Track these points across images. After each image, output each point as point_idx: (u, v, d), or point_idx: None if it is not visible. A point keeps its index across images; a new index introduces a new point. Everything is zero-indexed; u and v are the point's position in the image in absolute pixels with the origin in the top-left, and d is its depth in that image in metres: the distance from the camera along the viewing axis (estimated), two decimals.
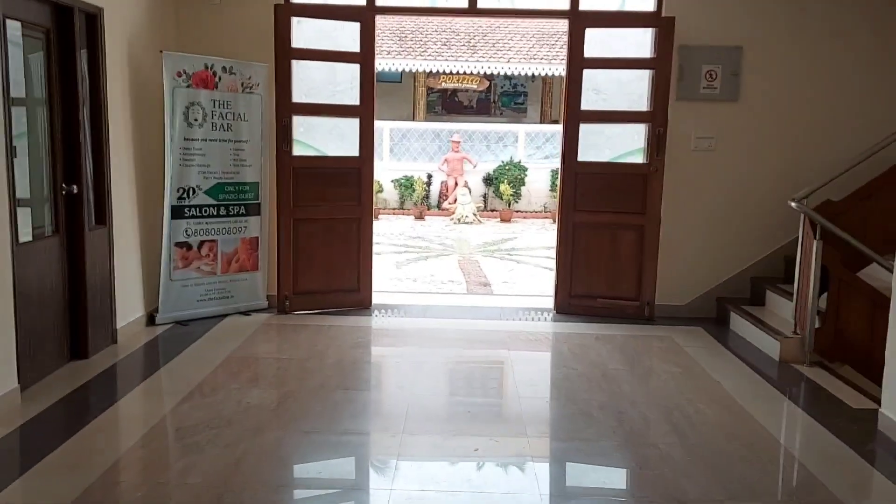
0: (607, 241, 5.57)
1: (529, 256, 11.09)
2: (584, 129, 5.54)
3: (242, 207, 5.42)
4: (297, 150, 5.57)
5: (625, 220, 5.52)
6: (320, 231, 5.57)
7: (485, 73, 15.22)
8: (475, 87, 15.92)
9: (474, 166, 15.07)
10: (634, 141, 5.68)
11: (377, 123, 15.03)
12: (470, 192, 14.54)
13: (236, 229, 5.39)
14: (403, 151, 15.36)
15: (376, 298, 5.91)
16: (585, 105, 5.51)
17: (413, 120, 16.14)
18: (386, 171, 15.08)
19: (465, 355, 4.68)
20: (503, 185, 14.67)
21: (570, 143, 5.55)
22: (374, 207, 13.22)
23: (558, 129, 16.55)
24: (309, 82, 5.66)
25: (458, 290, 8.35)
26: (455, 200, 14.48)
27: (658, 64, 5.37)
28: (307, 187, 5.50)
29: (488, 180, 15.22)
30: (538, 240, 12.68)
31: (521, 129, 15.45)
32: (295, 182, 5.46)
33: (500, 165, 15.11)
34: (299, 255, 5.52)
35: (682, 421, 3.60)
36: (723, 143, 5.48)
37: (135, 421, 3.56)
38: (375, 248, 11.16)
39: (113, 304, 4.53)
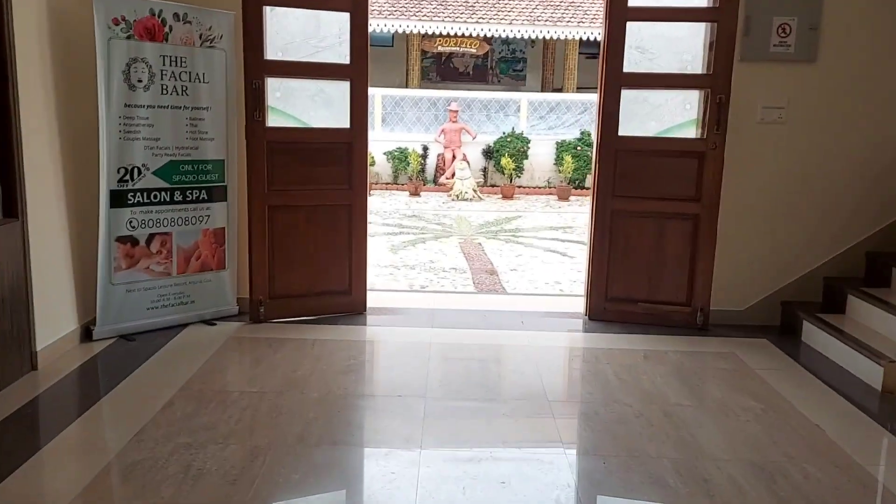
0: (652, 233, 4.58)
1: (537, 239, 10.09)
2: (625, 98, 4.51)
3: (204, 192, 4.37)
4: (273, 121, 4.52)
5: (675, 209, 4.52)
6: (302, 220, 4.54)
7: (485, 35, 14.06)
8: (474, 50, 14.77)
9: (473, 138, 13.99)
10: (685, 111, 4.66)
11: (369, 90, 13.75)
12: (469, 165, 13.50)
13: (196, 219, 4.35)
14: (397, 121, 14.25)
15: (371, 300, 4.91)
16: (628, 67, 4.47)
17: (407, 87, 14.99)
18: (378, 143, 13.98)
19: (488, 387, 3.68)
20: (505, 159, 13.62)
21: (608, 114, 4.51)
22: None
23: (563, 97, 15.50)
24: (286, 36, 4.58)
25: (463, 282, 7.35)
26: (453, 175, 13.44)
27: (720, 15, 4.32)
28: (285, 166, 4.46)
29: (488, 153, 14.17)
30: (544, 220, 11.68)
31: (523, 97, 14.36)
32: (270, 160, 4.41)
33: (502, 137, 14.04)
34: (276, 250, 4.50)
35: (791, 492, 2.64)
36: (795, 114, 4.46)
37: (37, 499, 2.56)
38: (368, 229, 10.05)
39: (31, 319, 3.50)
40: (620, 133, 4.53)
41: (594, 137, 4.70)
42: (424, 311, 4.93)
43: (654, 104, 4.68)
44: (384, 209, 12.08)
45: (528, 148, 13.97)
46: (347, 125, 4.58)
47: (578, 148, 13.92)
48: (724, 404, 3.43)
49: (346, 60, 4.52)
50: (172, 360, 3.83)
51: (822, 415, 3.33)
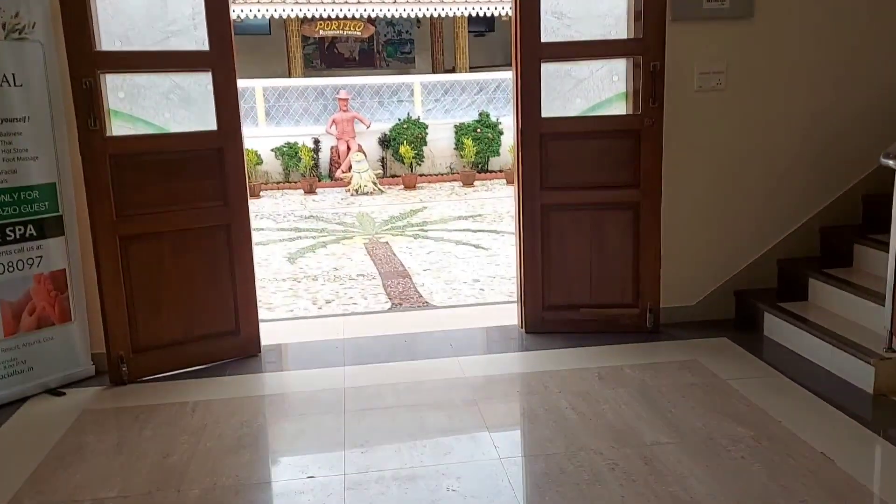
0: (589, 228, 3.95)
1: (447, 232, 9.41)
2: (545, 73, 3.84)
3: (31, 227, 3.38)
4: (118, 128, 3.57)
5: (612, 198, 3.91)
6: (168, 250, 3.63)
7: (368, 16, 13.17)
8: (359, 33, 13.85)
9: (367, 126, 13.12)
10: (613, 84, 4.05)
11: (247, 83, 12.57)
12: (365, 156, 12.64)
13: (24, 263, 3.36)
14: (282, 114, 13.17)
15: (267, 335, 4.06)
16: (547, 36, 3.80)
17: (290, 77, 13.91)
18: (263, 139, 12.88)
19: (424, 451, 2.92)
20: (403, 147, 12.84)
21: (527, 94, 3.83)
22: (253, 184, 10.97)
23: (457, 78, 14.82)
24: (125, 19, 3.63)
25: (373, 291, 6.56)
26: (349, 168, 12.54)
27: None
28: (138, 185, 3.53)
29: (385, 142, 13.34)
30: (451, 209, 11.01)
31: (416, 80, 13.59)
32: (117, 178, 3.47)
33: (398, 124, 13.24)
34: (137, 289, 3.57)
35: None
36: (735, 79, 3.93)
37: None
38: (259, 236, 9.04)
39: None
40: (544, 114, 3.86)
41: (512, 121, 4.02)
42: (334, 343, 4.12)
43: (577, 78, 4.04)
44: (277, 212, 11.07)
45: (427, 134, 13.24)
46: (214, 127, 3.69)
47: (478, 130, 13.32)
48: (709, 436, 2.83)
49: (205, 46, 3.62)
50: (2, 455, 2.87)
51: (821, 437, 2.79)
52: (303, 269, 7.71)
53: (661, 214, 3.90)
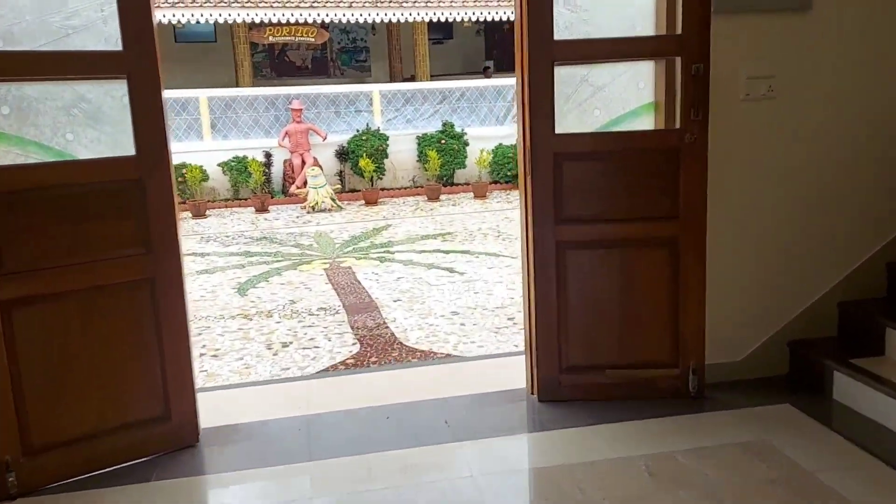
0: (616, 268, 3.16)
1: (415, 253, 8.57)
2: (558, 78, 3.05)
3: None
4: (0, 155, 2.66)
5: (645, 232, 3.13)
6: (71, 316, 2.71)
7: (322, 22, 12.28)
8: (312, 39, 12.94)
9: (324, 139, 12.20)
10: (639, 92, 3.28)
11: (190, 93, 11.51)
12: (322, 170, 11.72)
13: None
14: (230, 127, 12.17)
15: (210, 412, 3.16)
16: (559, 33, 3.01)
17: (237, 86, 12.90)
18: (209, 153, 11.86)
19: None
20: (363, 160, 11.96)
21: (536, 105, 3.03)
22: (199, 203, 9.91)
23: (419, 86, 13.94)
24: (6, 11, 2.71)
25: (337, 329, 5.67)
26: (305, 183, 11.60)
27: None
28: (28, 230, 2.61)
29: (343, 154, 12.44)
30: (418, 227, 10.17)
31: (374, 89, 12.74)
32: None
33: (356, 135, 12.35)
34: (28, 370, 2.64)
35: None
36: (789, 84, 3.20)
37: None
38: (205, 262, 8.09)
39: None
40: (558, 130, 3.06)
41: (518, 139, 3.21)
42: (297, 423, 3.23)
43: (596, 85, 3.26)
44: (225, 233, 10.07)
45: (388, 145, 12.39)
46: (132, 151, 2.79)
47: (442, 141, 12.52)
48: None
49: (119, 46, 2.72)
50: None
51: None
52: (255, 302, 6.78)
53: (707, 251, 3.14)
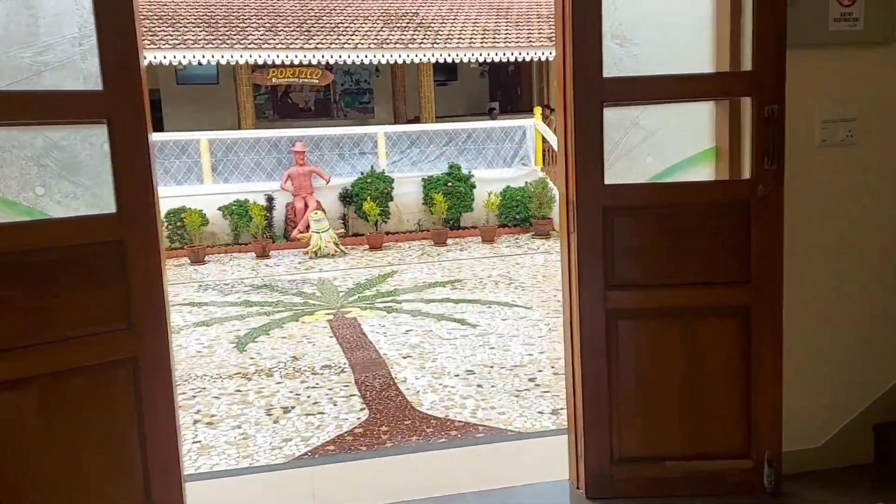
0: (677, 342, 2.71)
1: (423, 303, 8.11)
2: (607, 120, 2.64)
3: None
4: None
5: (711, 299, 2.69)
6: (32, 407, 2.25)
7: (326, 63, 12.03)
8: (316, 81, 12.68)
9: (327, 182, 11.84)
10: (698, 137, 2.87)
11: (190, 135, 11.16)
12: (325, 214, 11.33)
13: None
14: (231, 169, 11.82)
15: None
16: (609, 70, 2.61)
17: (239, 128, 12.60)
18: (210, 197, 11.48)
19: None
20: (367, 203, 11.58)
21: (584, 150, 2.62)
22: (198, 248, 9.48)
23: (424, 128, 13.63)
24: None
25: (342, 391, 5.17)
26: (307, 228, 11.20)
27: None
28: None
29: (346, 198, 12.07)
30: (425, 273, 9.72)
31: (379, 131, 12.43)
32: None
33: (360, 178, 11.99)
34: None
35: None
36: (871, 127, 2.79)
37: None
38: (202, 313, 7.65)
39: None
40: (608, 180, 2.64)
41: (559, 188, 2.79)
42: None
43: (647, 129, 2.85)
44: (224, 280, 9.62)
45: (392, 188, 12.02)
46: (112, 208, 2.36)
47: (449, 184, 12.16)
48: None
49: (98, 85, 2.31)
50: None
51: None
52: (254, 359, 6.30)
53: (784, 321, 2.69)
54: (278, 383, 5.63)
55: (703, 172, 2.85)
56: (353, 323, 7.36)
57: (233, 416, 4.96)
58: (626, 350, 2.71)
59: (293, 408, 5.09)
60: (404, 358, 6.16)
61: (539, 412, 4.83)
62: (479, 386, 5.39)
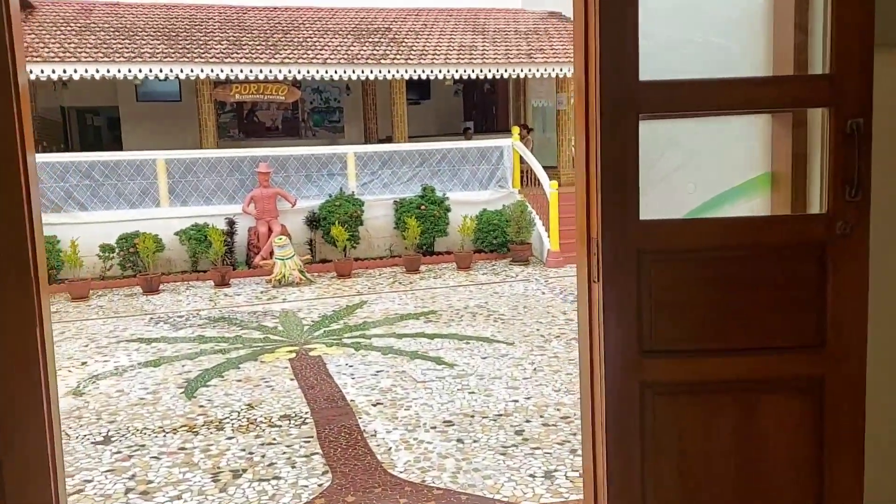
0: (730, 423, 2.08)
1: (396, 338, 7.42)
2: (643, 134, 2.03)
3: None
4: None
5: (772, 369, 2.07)
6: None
7: (294, 79, 11.38)
8: (282, 98, 12.01)
9: (293, 205, 11.15)
10: (750, 160, 2.27)
11: (144, 154, 10.38)
12: (290, 240, 10.61)
13: None
14: (190, 191, 11.06)
15: None
16: (647, 70, 2.01)
17: (201, 147, 11.87)
18: (166, 221, 10.70)
19: None
20: (335, 228, 10.89)
21: (612, 175, 2.00)
22: (152, 277, 8.75)
23: (397, 148, 12.92)
24: None
25: (303, 449, 4.45)
26: (271, 254, 10.47)
27: None
28: None
29: (314, 222, 11.38)
30: (397, 303, 9.03)
31: (349, 151, 11.80)
32: None
33: (328, 201, 11.33)
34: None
35: None
36: None
37: None
38: (149, 352, 7.02)
39: None
40: (643, 216, 2.02)
41: (578, 224, 2.17)
42: None
43: (687, 148, 2.24)
44: (178, 312, 8.84)
45: (363, 212, 11.37)
46: None
47: (422, 207, 11.54)
48: None
49: None
50: None
51: None
52: (204, 406, 5.55)
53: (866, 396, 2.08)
54: (229, 438, 4.90)
55: (755, 204, 2.25)
56: (318, 362, 6.65)
57: (172, 484, 4.22)
58: (666, 435, 2.08)
59: (244, 471, 4.36)
60: (374, 405, 5.47)
61: (530, 475, 4.18)
62: (459, 441, 4.73)
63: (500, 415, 5.20)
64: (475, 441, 4.72)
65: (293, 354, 6.91)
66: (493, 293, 9.48)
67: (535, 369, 6.28)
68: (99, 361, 6.82)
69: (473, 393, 5.68)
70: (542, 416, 5.14)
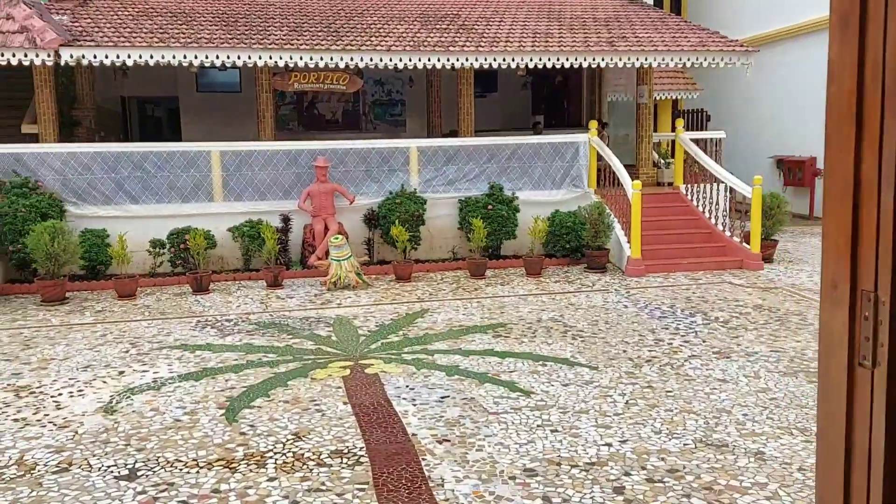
0: None
1: (461, 356, 6.58)
2: None
3: None
4: None
5: None
6: None
7: (356, 67, 10.65)
8: (343, 86, 11.30)
9: (351, 202, 10.44)
10: None
11: (198, 145, 9.73)
12: (347, 239, 9.89)
13: None
14: (244, 185, 10.47)
15: None
16: None
17: (259, 139, 11.28)
18: (218, 217, 10.14)
19: None
20: (395, 228, 10.13)
21: None
22: (202, 275, 8.26)
23: (463, 143, 11.70)
24: None
25: (359, 497, 3.69)
26: (327, 254, 9.78)
27: None
28: None
29: (372, 220, 10.65)
30: (462, 313, 8.18)
31: (412, 145, 11.02)
32: None
33: (389, 198, 10.58)
34: None
35: None
36: None
37: None
38: (192, 362, 6.37)
39: None
40: None
41: (843, 262, 1.27)
42: None
43: None
44: (227, 315, 8.21)
45: (425, 211, 10.58)
46: None
47: (490, 207, 10.67)
48: None
49: None
50: None
51: None
52: (246, 434, 4.84)
53: None
54: (271, 480, 4.16)
55: None
56: (375, 382, 5.87)
57: None
58: None
59: None
60: (440, 443, 4.65)
61: None
62: (545, 500, 3.86)
63: (592, 463, 4.31)
64: (565, 500, 3.86)
65: (347, 371, 6.16)
66: (568, 304, 8.55)
67: (626, 402, 5.36)
68: (137, 371, 6.20)
69: (557, 431, 4.81)
70: (643, 469, 4.23)
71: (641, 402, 5.35)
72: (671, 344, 6.86)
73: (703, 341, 6.93)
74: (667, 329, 7.36)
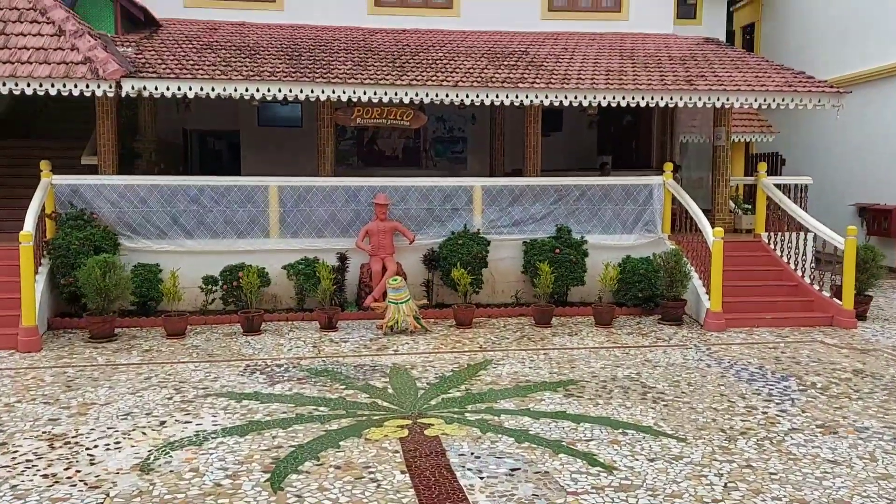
0: None
1: (531, 418, 5.92)
2: None
3: None
4: None
5: None
6: None
7: (420, 102, 10.26)
8: (407, 122, 10.92)
9: (411, 241, 9.95)
10: None
11: (256, 180, 9.26)
12: (406, 281, 9.38)
13: None
14: (301, 222, 10.12)
15: None
16: None
17: (318, 174, 10.96)
18: (273, 255, 9.78)
19: None
20: (456, 270, 9.59)
21: None
22: (253, 315, 7.69)
23: (530, 182, 10.18)
24: None
25: None
26: (384, 295, 9.27)
27: None
28: None
29: (432, 261, 10.13)
30: (528, 366, 7.50)
31: (476, 183, 10.52)
32: None
33: (450, 238, 10.07)
34: None
35: None
36: None
37: None
38: (238, 413, 5.79)
39: None
40: None
41: None
42: None
43: None
44: (278, 360, 7.74)
45: (488, 252, 10.01)
46: None
47: (557, 251, 10.04)
48: None
49: None
50: None
51: None
52: None
53: None
54: None
55: None
56: (436, 447, 5.26)
57: None
58: None
59: None
60: None
61: None
62: None
63: None
64: None
65: (405, 432, 5.57)
66: (644, 360, 7.81)
67: (725, 486, 4.62)
68: (180, 422, 5.74)
69: None
70: None
71: (743, 487, 4.61)
72: (766, 413, 6.07)
73: (803, 411, 6.12)
74: (758, 395, 6.56)
